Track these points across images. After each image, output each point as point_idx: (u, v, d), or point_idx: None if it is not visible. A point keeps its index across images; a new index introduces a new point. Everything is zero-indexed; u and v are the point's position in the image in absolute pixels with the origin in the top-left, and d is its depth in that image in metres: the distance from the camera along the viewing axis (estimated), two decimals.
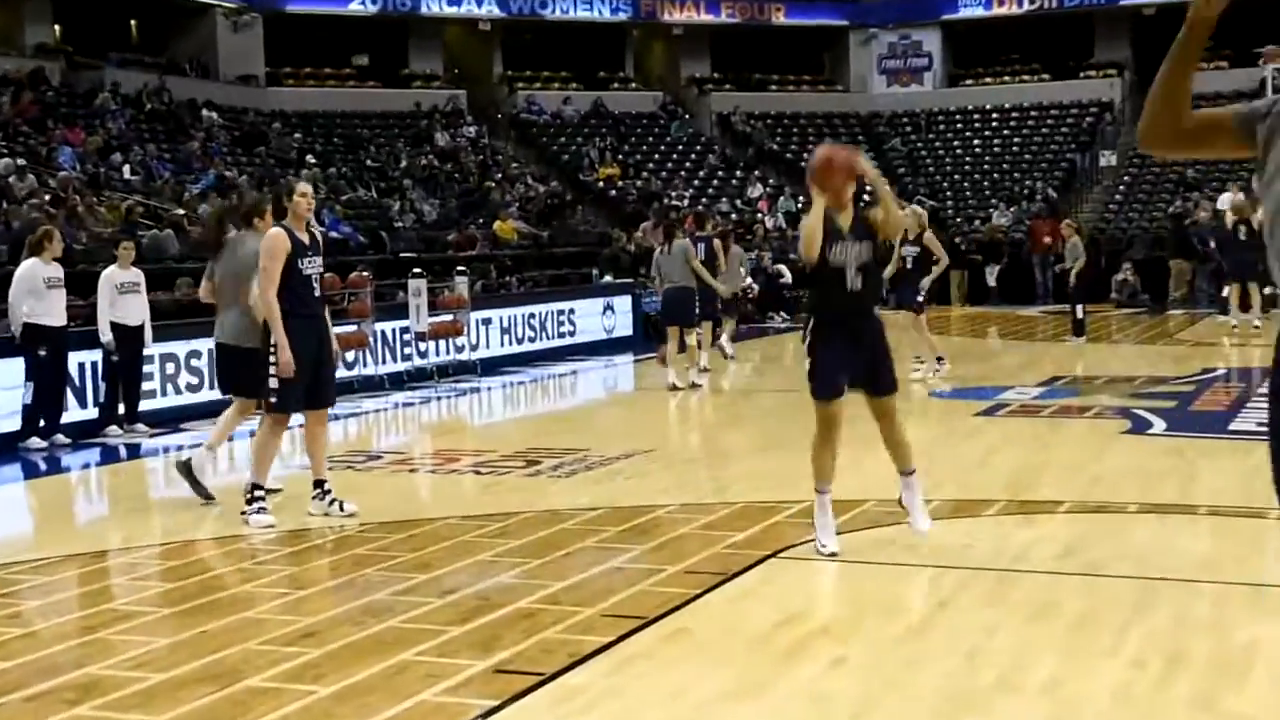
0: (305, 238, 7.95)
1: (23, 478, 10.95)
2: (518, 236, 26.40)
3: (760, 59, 38.68)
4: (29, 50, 28.78)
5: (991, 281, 27.95)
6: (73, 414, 12.08)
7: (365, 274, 16.49)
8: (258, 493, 7.98)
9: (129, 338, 12.12)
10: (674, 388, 14.48)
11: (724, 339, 17.24)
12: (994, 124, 37.05)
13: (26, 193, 19.04)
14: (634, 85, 38.68)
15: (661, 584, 6.33)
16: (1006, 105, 37.07)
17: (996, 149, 36.12)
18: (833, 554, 6.71)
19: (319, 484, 8.20)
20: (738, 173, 34.80)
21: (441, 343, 16.92)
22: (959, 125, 37.32)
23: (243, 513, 7.96)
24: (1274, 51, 29.60)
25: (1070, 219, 21.63)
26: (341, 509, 8.10)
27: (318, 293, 8.04)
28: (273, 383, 7.87)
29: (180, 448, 11.87)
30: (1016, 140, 36.13)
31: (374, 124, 33.25)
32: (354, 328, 15.19)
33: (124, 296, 12.07)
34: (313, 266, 7.95)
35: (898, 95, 37.92)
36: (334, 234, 21.05)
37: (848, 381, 6.70)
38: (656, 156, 35.37)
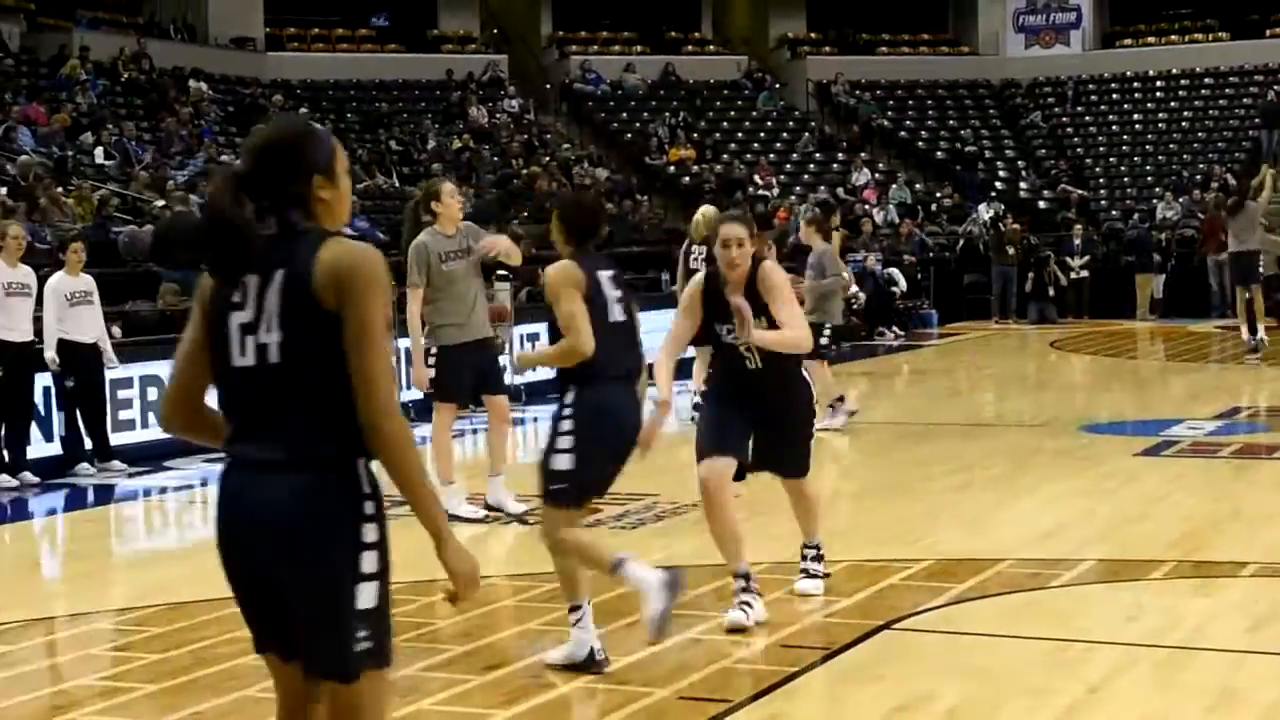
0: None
1: None
2: None
3: (868, 15, 38.62)
4: None
5: (1158, 292, 27.73)
6: (37, 448, 12.28)
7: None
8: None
9: (84, 358, 12.29)
10: None
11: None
12: (1158, 94, 36.78)
13: None
14: (712, 48, 38.76)
15: (751, 660, 6.35)
16: (1174, 71, 36.81)
17: (1161, 125, 35.85)
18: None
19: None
20: (839, 155, 34.77)
21: None
22: (1114, 95, 37.07)
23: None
24: None
25: None
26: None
27: None
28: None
29: (165, 490, 12.06)
30: (1186, 114, 35.85)
31: (396, 96, 33.56)
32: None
33: (75, 309, 12.23)
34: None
35: (1038, 58, 37.72)
36: (348, 230, 21.27)
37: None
38: (739, 135, 35.42)
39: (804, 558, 7.54)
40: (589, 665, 6.15)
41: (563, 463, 6.11)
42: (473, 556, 3.59)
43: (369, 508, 3.56)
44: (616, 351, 6.14)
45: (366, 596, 3.53)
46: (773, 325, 6.75)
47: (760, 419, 6.98)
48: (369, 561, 3.54)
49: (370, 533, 3.55)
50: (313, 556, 3.50)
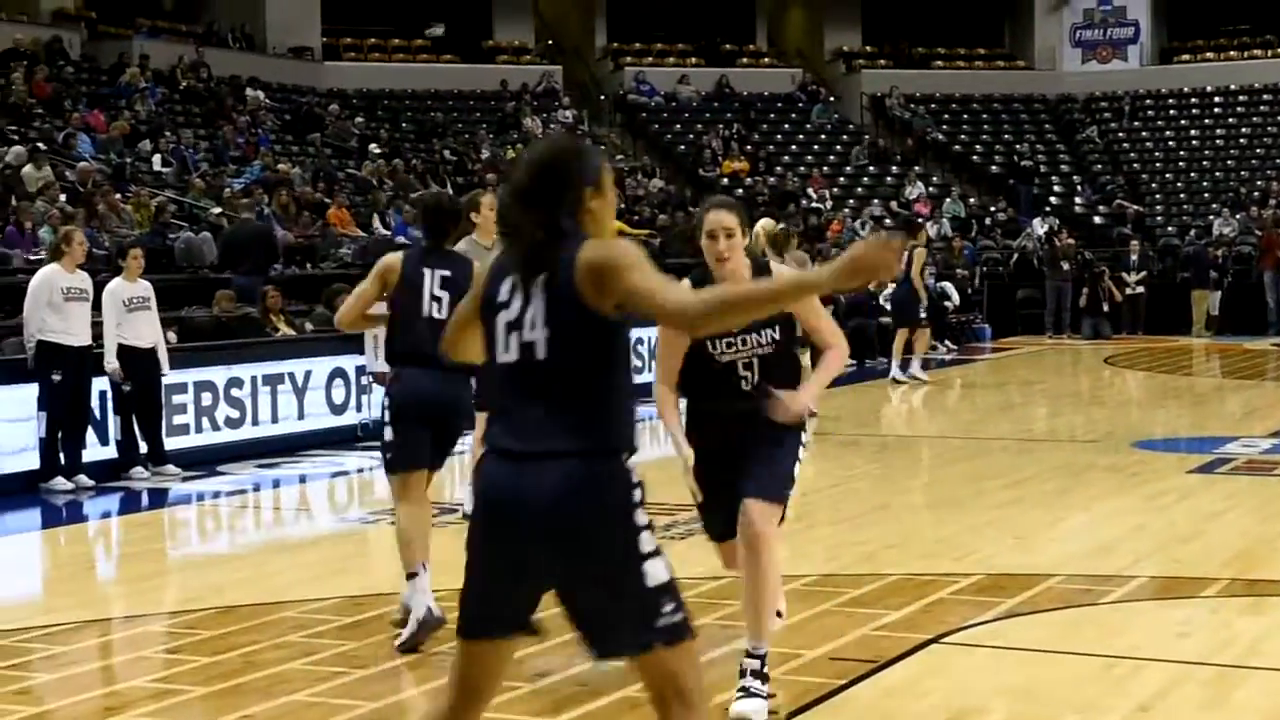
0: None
1: (40, 526, 11.31)
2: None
3: (923, 28, 38.56)
4: (45, 17, 29.63)
5: (1214, 309, 27.53)
6: (93, 452, 12.41)
7: None
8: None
9: (141, 363, 12.41)
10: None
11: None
12: (1216, 109, 36.55)
13: (41, 185, 19.59)
14: (766, 61, 38.78)
15: (798, 671, 6.34)
16: (1232, 86, 36.56)
17: (1218, 140, 35.62)
18: None
19: None
20: (893, 168, 34.70)
21: None
22: (1171, 111, 36.87)
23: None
24: None
25: None
26: None
27: None
28: None
29: (217, 494, 12.16)
30: (1244, 129, 35.60)
31: (451, 106, 33.74)
32: None
33: (133, 314, 12.35)
34: None
35: (1095, 74, 37.57)
36: (401, 239, 21.38)
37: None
38: (793, 148, 35.42)
39: (742, 671, 5.69)
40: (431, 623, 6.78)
41: (386, 434, 7.04)
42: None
43: (637, 495, 3.79)
44: (423, 339, 6.72)
45: (657, 571, 3.73)
46: (782, 338, 5.75)
47: (744, 451, 5.74)
48: (647, 541, 3.76)
49: (641, 516, 3.77)
50: (597, 542, 3.72)
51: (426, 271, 6.97)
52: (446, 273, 6.98)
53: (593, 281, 3.69)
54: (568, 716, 5.77)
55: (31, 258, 16.44)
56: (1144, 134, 36.37)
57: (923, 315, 19.09)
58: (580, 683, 6.23)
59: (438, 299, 6.95)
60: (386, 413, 7.05)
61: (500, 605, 3.86)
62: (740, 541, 5.62)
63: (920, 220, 17.38)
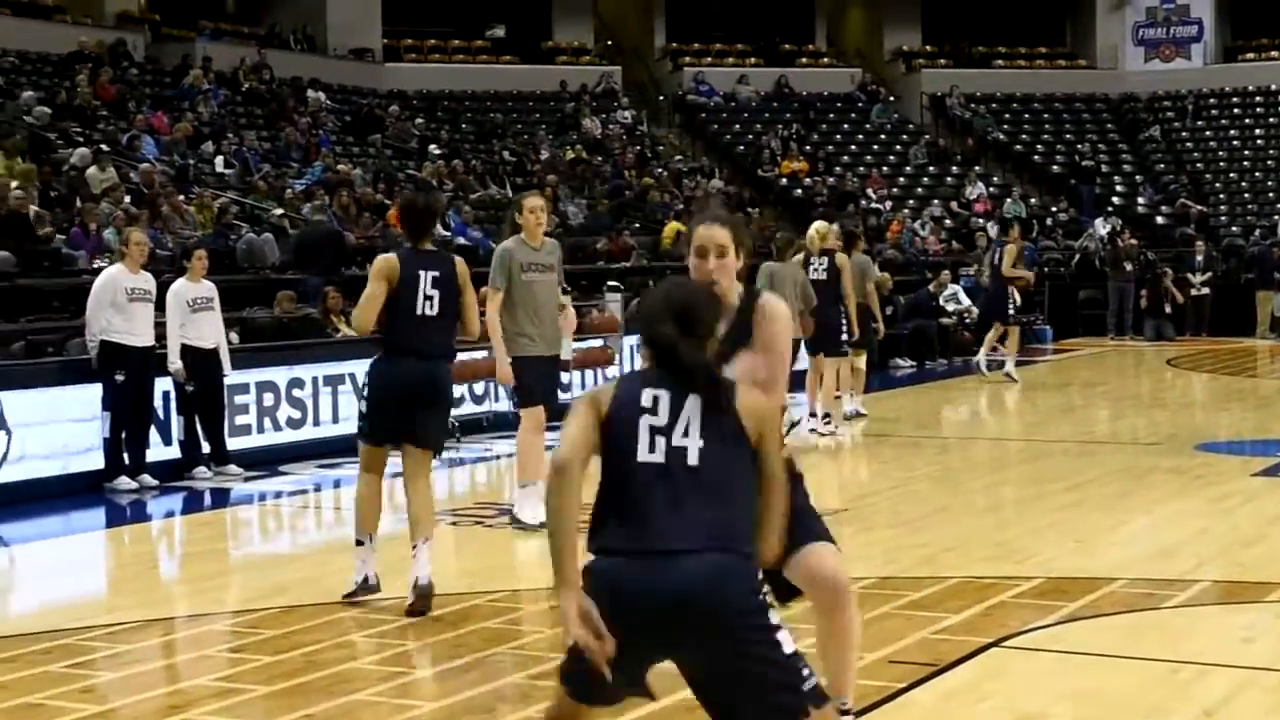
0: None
1: (104, 525, 11.42)
2: (680, 244, 26.55)
3: (983, 27, 38.38)
4: (110, 20, 29.93)
5: (1279, 311, 27.25)
6: (156, 451, 12.51)
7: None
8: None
9: (204, 363, 12.51)
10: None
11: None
12: None
13: (106, 187, 19.77)
14: (825, 61, 38.69)
15: (857, 674, 6.31)
16: None
17: None
18: None
19: None
20: (953, 168, 34.55)
21: (588, 373, 17.11)
22: (1236, 110, 36.54)
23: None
24: None
25: None
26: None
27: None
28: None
29: (279, 494, 12.25)
30: None
31: (510, 107, 33.83)
32: (599, 343, 16.69)
33: (196, 315, 12.46)
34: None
35: (1158, 72, 37.29)
36: (461, 240, 21.45)
37: None
38: (852, 148, 35.32)
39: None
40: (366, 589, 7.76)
41: (363, 406, 7.89)
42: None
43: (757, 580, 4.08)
44: (417, 335, 7.72)
45: (787, 642, 4.00)
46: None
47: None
48: (773, 614, 4.04)
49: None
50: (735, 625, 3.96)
51: (421, 273, 7.76)
52: (436, 273, 7.78)
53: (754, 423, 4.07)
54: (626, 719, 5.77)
55: (96, 261, 16.58)
56: (1207, 133, 36.06)
57: (1011, 313, 18.95)
58: None
59: (429, 297, 7.74)
60: (368, 388, 7.85)
61: (621, 684, 4.11)
62: (817, 591, 5.11)
63: (858, 230, 17.06)
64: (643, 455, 3.99)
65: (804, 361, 13.90)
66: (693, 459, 3.97)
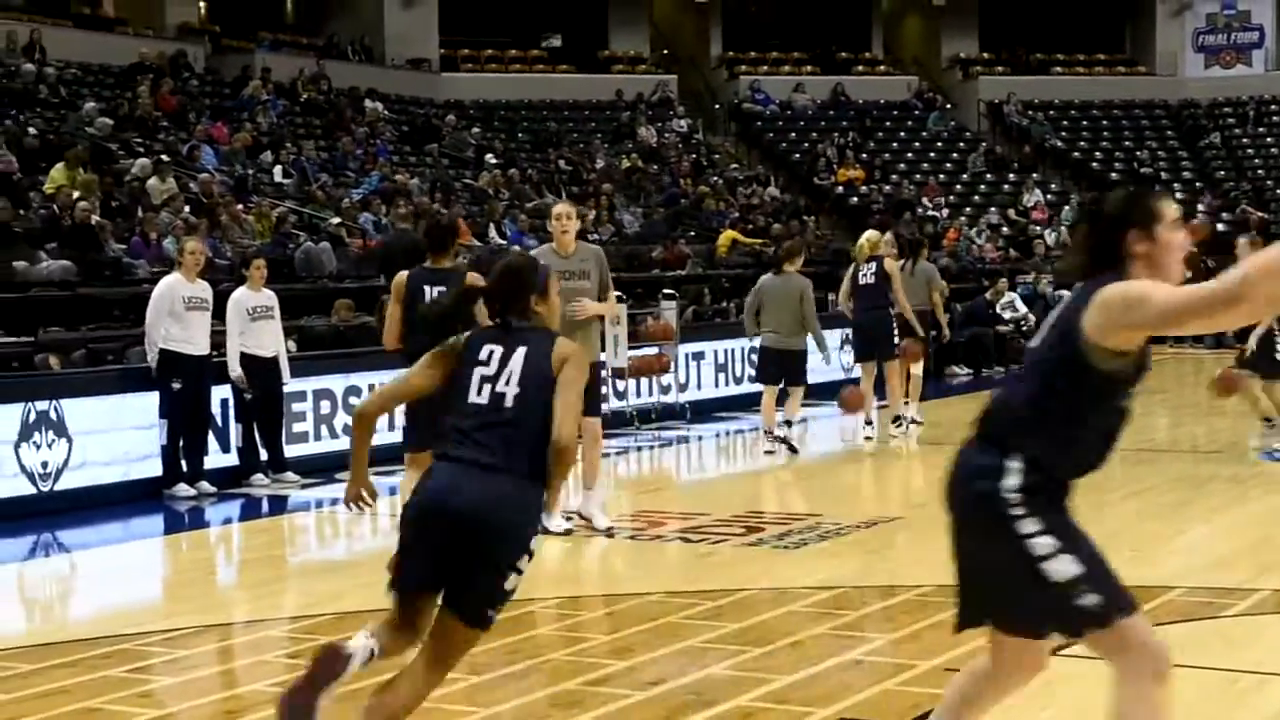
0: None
1: (162, 532, 11.52)
2: (736, 252, 26.51)
3: (1041, 34, 38.19)
4: (170, 31, 30.21)
5: None
6: (214, 459, 12.60)
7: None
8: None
9: (264, 371, 12.60)
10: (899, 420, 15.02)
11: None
12: None
13: (166, 197, 19.94)
14: (882, 68, 38.60)
15: (913, 682, 6.29)
16: None
17: None
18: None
19: None
20: (1010, 175, 34.37)
21: (643, 381, 17.12)
22: None
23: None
24: None
25: None
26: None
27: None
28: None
29: (336, 501, 12.30)
30: None
31: (566, 116, 33.90)
32: (655, 350, 16.79)
33: (256, 323, 12.56)
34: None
35: (1218, 79, 36.99)
36: (516, 248, 21.52)
37: None
38: (909, 155, 35.20)
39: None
40: None
41: (401, 420, 8.65)
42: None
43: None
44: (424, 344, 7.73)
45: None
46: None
47: None
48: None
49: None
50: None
51: (426, 289, 8.41)
52: (443, 287, 8.25)
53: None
54: None
55: (156, 270, 16.72)
56: (1268, 139, 35.74)
57: None
58: (693, 691, 6.23)
59: None
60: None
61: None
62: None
63: (922, 238, 16.88)
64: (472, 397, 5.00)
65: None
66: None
